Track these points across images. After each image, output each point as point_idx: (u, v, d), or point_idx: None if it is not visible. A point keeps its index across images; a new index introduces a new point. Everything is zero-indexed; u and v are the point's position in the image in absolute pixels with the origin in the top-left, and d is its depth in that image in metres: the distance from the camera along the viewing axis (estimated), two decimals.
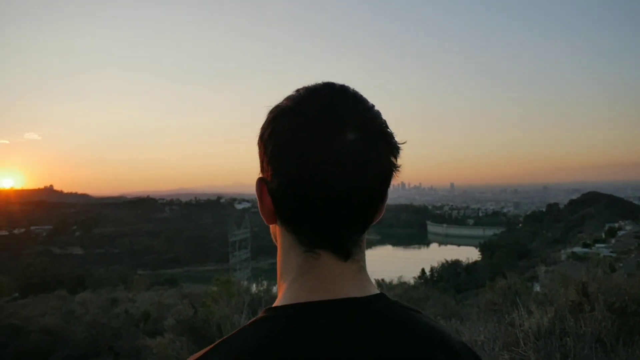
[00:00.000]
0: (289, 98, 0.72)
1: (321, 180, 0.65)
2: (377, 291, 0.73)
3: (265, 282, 10.89)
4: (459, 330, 4.58)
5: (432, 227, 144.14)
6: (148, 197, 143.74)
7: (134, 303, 15.42)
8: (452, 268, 55.66)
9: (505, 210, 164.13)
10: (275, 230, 0.77)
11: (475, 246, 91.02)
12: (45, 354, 11.33)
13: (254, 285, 10.98)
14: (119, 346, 10.02)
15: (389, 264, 52.63)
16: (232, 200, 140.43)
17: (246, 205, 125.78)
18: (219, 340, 0.68)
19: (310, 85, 0.73)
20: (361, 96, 0.73)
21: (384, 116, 0.72)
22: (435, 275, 54.20)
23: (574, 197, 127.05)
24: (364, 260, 0.75)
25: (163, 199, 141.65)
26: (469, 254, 70.15)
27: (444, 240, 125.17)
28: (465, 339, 3.86)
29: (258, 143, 0.72)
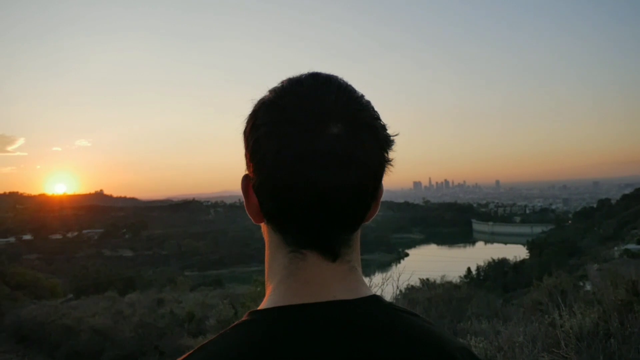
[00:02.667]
0: (271, 90, 0.68)
1: (302, 178, 0.61)
2: (370, 293, 0.69)
3: None
4: (499, 331, 4.45)
5: (477, 225, 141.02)
6: (193, 199, 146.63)
7: (179, 303, 15.74)
8: (499, 267, 54.13)
9: (553, 206, 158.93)
10: (264, 229, 0.73)
11: (523, 244, 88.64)
12: (96, 354, 11.70)
13: None
14: (164, 345, 10.23)
15: (433, 263, 51.81)
16: None
17: None
18: (199, 345, 0.64)
19: (294, 76, 0.68)
20: (348, 86, 0.68)
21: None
22: (482, 274, 53.04)
23: (627, 191, 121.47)
24: (356, 261, 0.70)
25: (208, 202, 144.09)
26: (517, 252, 68.17)
27: (490, 239, 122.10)
28: (503, 340, 3.75)
29: (243, 138, 0.69)
